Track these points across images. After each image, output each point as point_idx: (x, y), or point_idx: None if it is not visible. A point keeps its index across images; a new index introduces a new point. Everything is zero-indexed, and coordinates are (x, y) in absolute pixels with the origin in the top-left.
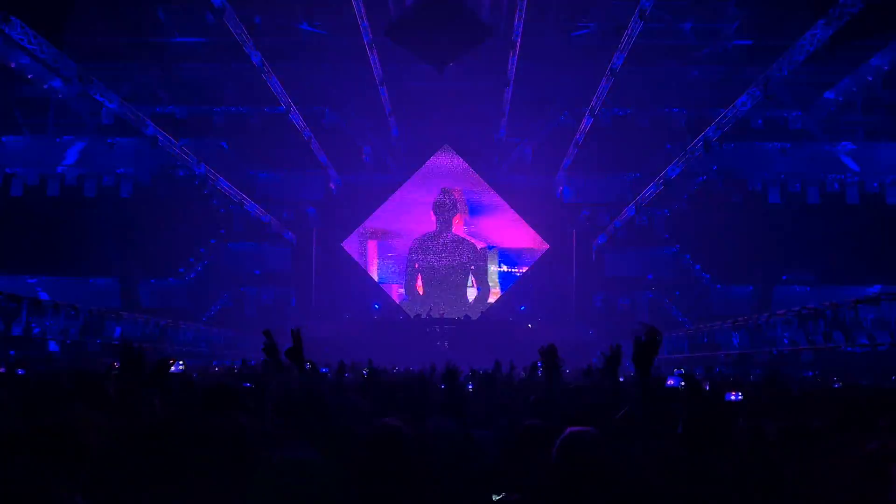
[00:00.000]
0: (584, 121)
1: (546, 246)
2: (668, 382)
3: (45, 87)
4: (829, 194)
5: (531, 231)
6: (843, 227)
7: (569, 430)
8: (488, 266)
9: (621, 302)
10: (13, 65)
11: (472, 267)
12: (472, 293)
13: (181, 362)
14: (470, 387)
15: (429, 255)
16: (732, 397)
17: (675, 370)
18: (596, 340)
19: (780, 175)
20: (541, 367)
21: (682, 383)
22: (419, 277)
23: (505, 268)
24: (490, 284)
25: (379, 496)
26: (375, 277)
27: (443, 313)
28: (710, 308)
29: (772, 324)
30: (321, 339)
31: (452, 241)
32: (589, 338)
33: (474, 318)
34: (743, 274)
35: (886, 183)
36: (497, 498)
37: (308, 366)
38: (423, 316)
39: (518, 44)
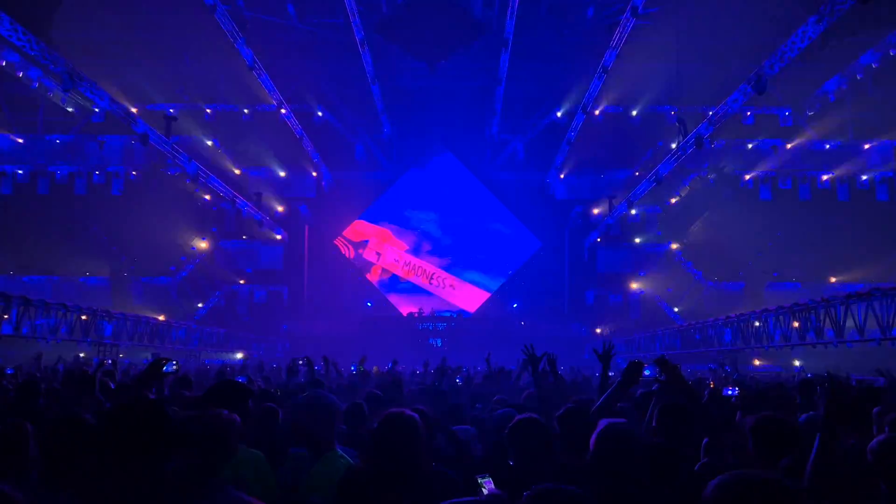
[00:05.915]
0: (577, 118)
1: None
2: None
3: (35, 84)
4: (820, 191)
5: None
6: (833, 223)
7: (606, 422)
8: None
9: (613, 299)
10: (2, 62)
11: None
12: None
13: (174, 362)
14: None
15: None
16: (730, 392)
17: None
18: (588, 336)
19: (771, 172)
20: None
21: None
22: None
23: None
24: None
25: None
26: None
27: (434, 311)
28: (702, 305)
29: (763, 320)
30: (314, 336)
31: None
32: (581, 334)
33: (466, 315)
34: (734, 271)
35: (876, 180)
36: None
37: (301, 362)
38: (416, 313)
39: (510, 41)
